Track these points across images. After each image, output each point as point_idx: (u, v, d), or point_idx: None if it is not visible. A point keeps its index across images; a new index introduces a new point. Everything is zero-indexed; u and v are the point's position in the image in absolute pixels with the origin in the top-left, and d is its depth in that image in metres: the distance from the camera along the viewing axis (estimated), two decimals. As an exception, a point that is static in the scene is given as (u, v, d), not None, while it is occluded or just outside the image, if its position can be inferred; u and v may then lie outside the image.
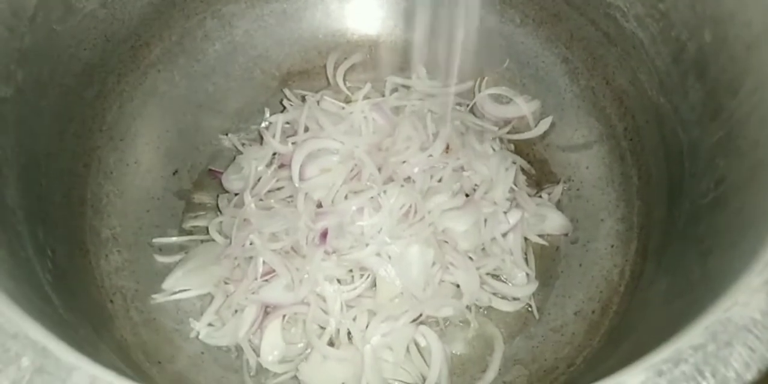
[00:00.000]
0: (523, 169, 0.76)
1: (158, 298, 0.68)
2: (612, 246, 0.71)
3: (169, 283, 0.69)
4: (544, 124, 0.78)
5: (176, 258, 0.71)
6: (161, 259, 0.71)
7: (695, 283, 0.48)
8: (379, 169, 0.69)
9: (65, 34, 0.61)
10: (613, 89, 0.72)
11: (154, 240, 0.72)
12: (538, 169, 0.77)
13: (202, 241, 0.73)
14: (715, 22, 0.53)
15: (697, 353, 0.33)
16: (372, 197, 0.67)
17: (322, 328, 0.66)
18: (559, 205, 0.75)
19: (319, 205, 0.69)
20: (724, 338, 0.33)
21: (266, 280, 0.66)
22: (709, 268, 0.47)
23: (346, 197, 0.68)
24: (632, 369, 0.33)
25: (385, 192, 0.67)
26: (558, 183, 0.76)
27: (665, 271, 0.59)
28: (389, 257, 0.66)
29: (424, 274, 0.66)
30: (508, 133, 0.78)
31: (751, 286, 0.35)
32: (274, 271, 0.66)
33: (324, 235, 0.66)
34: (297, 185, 0.69)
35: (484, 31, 0.79)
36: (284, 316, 0.66)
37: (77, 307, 0.53)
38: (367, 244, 0.66)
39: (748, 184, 0.47)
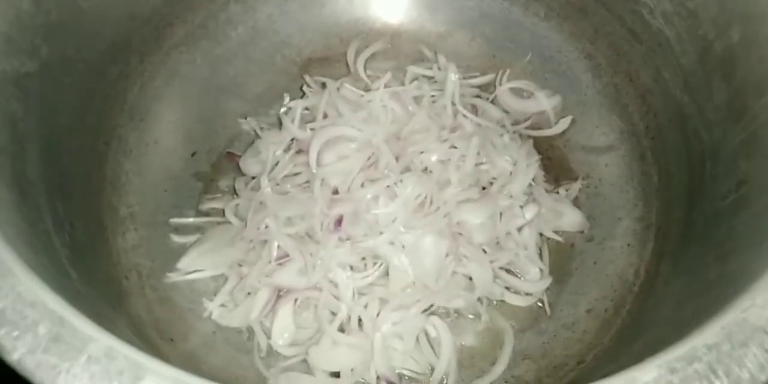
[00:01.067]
0: (541, 164, 0.76)
1: (173, 277, 0.69)
2: (628, 245, 0.70)
3: (184, 263, 0.70)
4: (564, 123, 0.77)
5: (192, 238, 0.72)
6: (177, 238, 0.72)
7: (711, 285, 0.48)
8: (397, 159, 0.69)
9: (91, 12, 0.62)
10: (637, 87, 0.72)
11: (171, 220, 0.72)
12: (556, 165, 0.77)
13: (218, 223, 0.73)
14: (745, 21, 0.52)
15: (711, 352, 0.33)
16: (388, 186, 0.67)
17: (334, 313, 0.66)
18: (576, 202, 0.74)
19: (335, 192, 0.69)
20: (739, 338, 0.33)
21: (280, 264, 0.67)
22: (726, 270, 0.46)
23: (362, 185, 0.68)
24: (644, 365, 0.33)
25: (401, 181, 0.67)
26: (576, 180, 0.75)
27: (681, 272, 0.59)
28: (403, 246, 0.66)
29: (436, 265, 0.66)
30: (527, 128, 0.78)
31: (769, 287, 0.35)
32: (287, 255, 0.66)
33: (339, 221, 0.66)
34: (314, 171, 0.69)
35: (507, 23, 0.79)
36: (296, 300, 0.67)
37: (93, 282, 0.53)
38: (381, 233, 0.66)
39: (764, 190, 0.46)
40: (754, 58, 0.52)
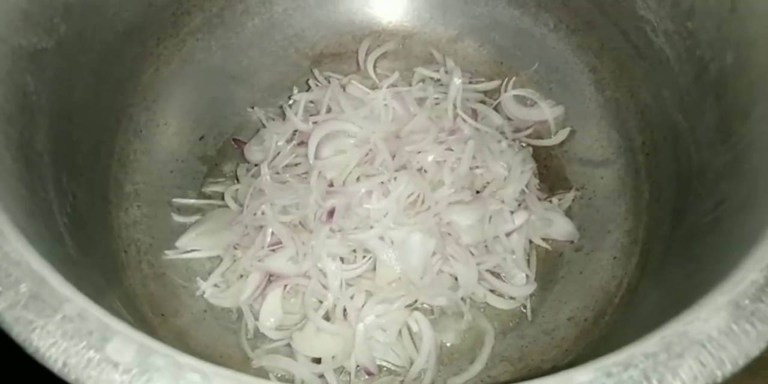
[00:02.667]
0: (536, 173, 0.77)
1: (170, 255, 0.71)
2: (614, 258, 0.71)
3: (182, 242, 0.72)
4: (563, 134, 0.78)
5: (192, 219, 0.74)
6: (178, 218, 0.74)
7: (677, 300, 0.49)
8: (393, 156, 0.71)
9: (110, -7, 0.64)
10: (637, 103, 0.72)
11: (173, 199, 0.75)
12: (553, 175, 0.78)
13: (218, 206, 0.75)
14: (739, 45, 0.53)
15: (648, 360, 0.34)
16: (382, 182, 0.69)
17: (320, 301, 0.68)
18: (569, 212, 0.75)
19: (331, 185, 0.71)
20: (677, 350, 0.34)
21: (273, 250, 0.69)
22: (692, 286, 0.47)
23: (357, 179, 0.70)
24: (583, 368, 0.34)
25: (395, 179, 0.69)
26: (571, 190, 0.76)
27: (657, 286, 0.60)
28: (392, 242, 0.68)
29: (423, 262, 0.68)
30: (527, 136, 0.79)
31: (715, 304, 0.36)
32: (281, 242, 0.69)
33: (331, 213, 0.68)
34: (311, 163, 0.71)
35: (517, 31, 0.80)
36: (286, 286, 0.69)
37: (90, 252, 0.56)
38: (371, 227, 0.68)
39: (742, 210, 0.47)
40: (743, 82, 0.53)
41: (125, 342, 0.32)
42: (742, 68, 0.53)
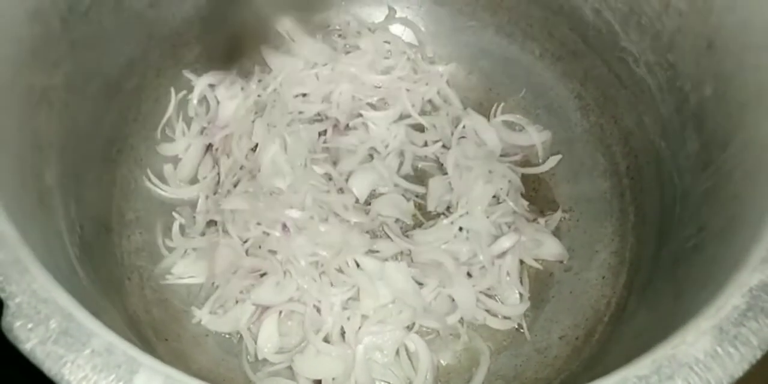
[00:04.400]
0: (523, 195, 0.79)
1: (170, 280, 0.72)
2: (603, 277, 0.73)
3: (178, 269, 0.73)
4: (552, 161, 0.81)
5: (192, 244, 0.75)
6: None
7: (665, 320, 0.51)
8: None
9: (112, 30, 0.66)
10: (621, 128, 0.75)
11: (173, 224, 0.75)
12: (541, 197, 0.80)
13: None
14: (716, 78, 0.56)
15: (641, 382, 0.36)
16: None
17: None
18: (558, 233, 0.77)
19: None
20: (667, 372, 0.37)
21: (261, 276, 0.70)
22: (678, 308, 0.50)
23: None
24: (579, 390, 0.36)
25: None
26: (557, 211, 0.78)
27: (644, 306, 0.62)
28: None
29: (411, 285, 0.70)
30: (517, 164, 0.81)
31: (700, 329, 0.39)
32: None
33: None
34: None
35: (505, 60, 0.83)
36: (281, 313, 0.70)
37: (98, 281, 0.57)
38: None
39: (723, 236, 0.50)
40: (722, 114, 0.55)
41: (152, 374, 0.34)
42: (720, 100, 0.56)
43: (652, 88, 0.67)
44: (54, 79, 0.58)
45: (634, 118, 0.72)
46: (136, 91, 0.74)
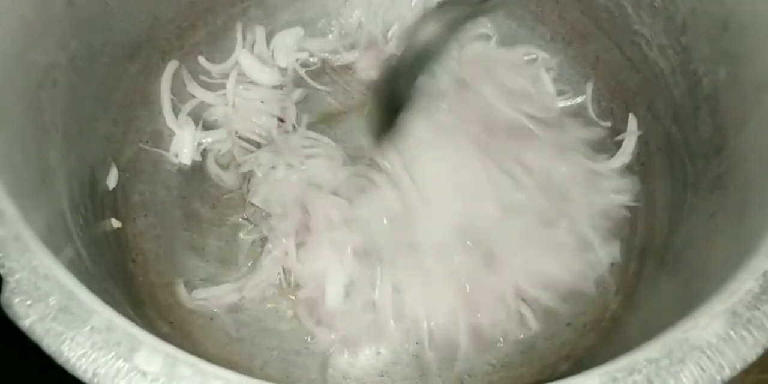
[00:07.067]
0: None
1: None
2: (611, 265, 0.72)
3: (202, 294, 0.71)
4: None
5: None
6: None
7: (674, 307, 0.50)
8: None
9: (118, 10, 0.66)
10: (632, 113, 0.74)
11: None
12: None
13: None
14: (731, 61, 0.55)
15: (651, 365, 0.35)
16: None
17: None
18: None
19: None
20: (678, 355, 0.36)
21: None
22: (686, 295, 0.49)
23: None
24: (588, 374, 0.36)
25: None
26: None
27: (653, 293, 0.62)
28: None
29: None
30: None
31: (712, 312, 0.38)
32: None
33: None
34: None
35: (515, 43, 0.82)
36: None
37: (102, 262, 0.57)
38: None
39: (736, 221, 0.49)
40: (737, 97, 0.54)
41: (152, 352, 0.33)
42: (734, 83, 0.54)
43: (665, 71, 0.66)
44: (58, 59, 0.57)
45: (646, 103, 0.71)
46: (142, 73, 0.74)
